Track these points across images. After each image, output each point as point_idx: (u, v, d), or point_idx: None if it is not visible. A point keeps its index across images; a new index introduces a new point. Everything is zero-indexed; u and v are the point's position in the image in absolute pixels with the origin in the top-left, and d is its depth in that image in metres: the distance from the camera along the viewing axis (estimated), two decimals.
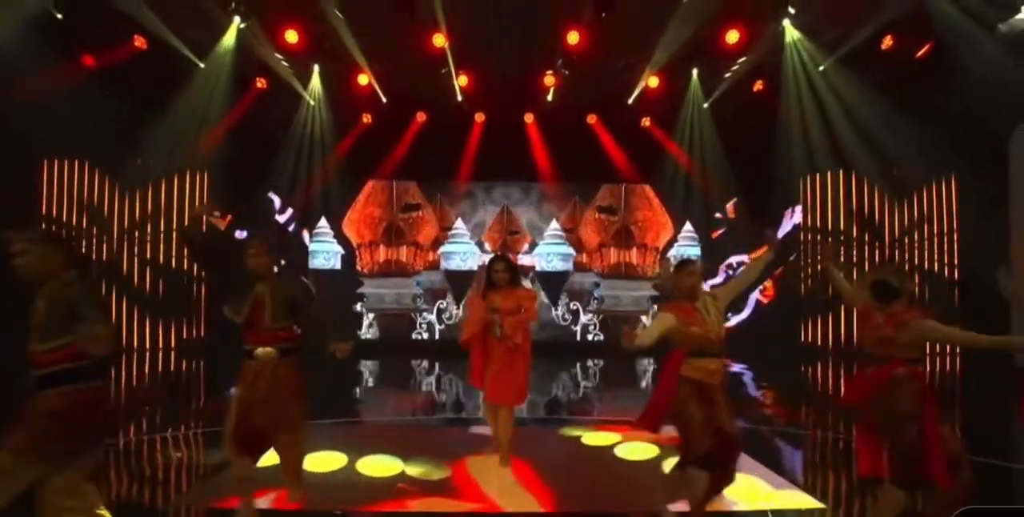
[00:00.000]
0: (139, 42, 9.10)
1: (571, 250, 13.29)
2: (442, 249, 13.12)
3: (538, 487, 4.01)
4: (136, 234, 11.72)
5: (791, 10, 8.61)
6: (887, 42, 9.04)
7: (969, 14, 7.70)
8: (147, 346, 11.57)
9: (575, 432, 5.54)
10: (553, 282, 13.19)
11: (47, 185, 11.05)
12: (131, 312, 11.54)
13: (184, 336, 11.90)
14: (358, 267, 13.08)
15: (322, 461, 4.41)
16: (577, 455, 4.92)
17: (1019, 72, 7.81)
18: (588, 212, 13.28)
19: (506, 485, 4.03)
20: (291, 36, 9.11)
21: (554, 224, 13.25)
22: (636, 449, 4.89)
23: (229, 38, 8.78)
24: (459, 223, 13.09)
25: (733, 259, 13.50)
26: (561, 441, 5.33)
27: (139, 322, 11.58)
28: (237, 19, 8.67)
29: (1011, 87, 7.87)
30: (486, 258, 11.93)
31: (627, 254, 13.39)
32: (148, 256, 11.74)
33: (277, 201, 13.30)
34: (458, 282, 13.09)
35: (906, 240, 11.81)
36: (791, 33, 8.92)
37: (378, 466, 4.40)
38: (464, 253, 13.15)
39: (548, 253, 13.23)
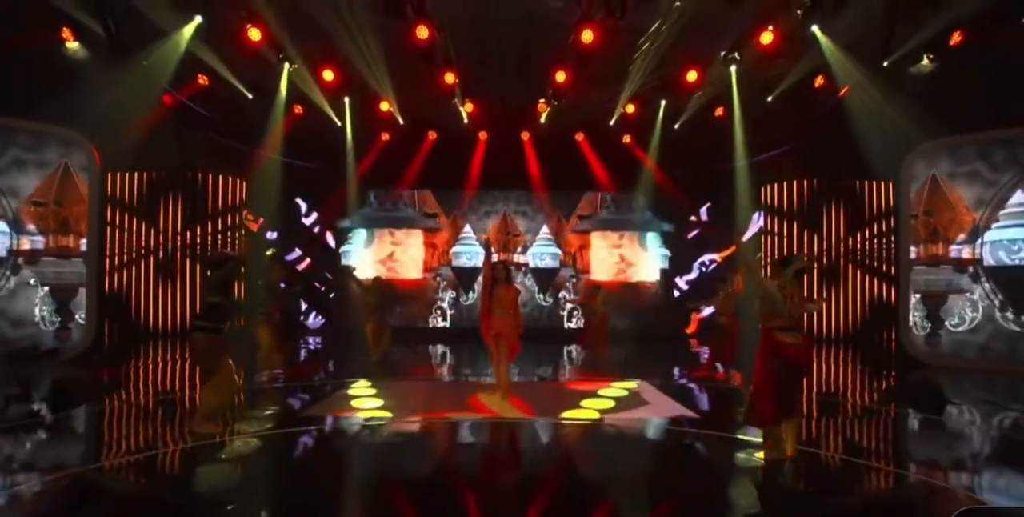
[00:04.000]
0: (203, 80, 11.66)
1: (558, 251, 16.24)
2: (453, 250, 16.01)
3: (526, 408, 6.60)
4: (187, 233, 14.21)
5: (737, 56, 11.12)
6: (819, 81, 11.57)
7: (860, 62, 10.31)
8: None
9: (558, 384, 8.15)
10: (543, 276, 16.08)
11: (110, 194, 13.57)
12: (183, 300, 14.07)
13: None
14: None
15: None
16: (557, 395, 7.52)
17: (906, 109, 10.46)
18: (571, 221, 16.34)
19: (504, 407, 6.66)
20: (328, 75, 11.66)
21: (544, 230, 16.11)
22: (609, 391, 7.54)
23: (283, 79, 11.33)
24: (467, 228, 15.90)
25: (706, 257, 16.12)
26: (547, 387, 7.94)
27: (190, 308, 14.09)
28: (287, 64, 11.20)
29: (900, 121, 10.48)
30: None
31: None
32: (198, 248, 14.23)
33: (303, 205, 15.90)
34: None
35: (850, 239, 14.38)
36: (735, 76, 11.45)
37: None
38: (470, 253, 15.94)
39: (540, 253, 16.19)
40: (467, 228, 16.16)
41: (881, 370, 10.25)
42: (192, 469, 4.65)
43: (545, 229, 16.28)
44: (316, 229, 15.91)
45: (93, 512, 3.55)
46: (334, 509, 3.95)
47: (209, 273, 5.39)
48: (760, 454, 4.80)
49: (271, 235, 15.40)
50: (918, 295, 10.58)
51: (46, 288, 9.91)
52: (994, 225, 10.11)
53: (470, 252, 16.14)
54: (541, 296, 16.14)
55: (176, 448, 5.04)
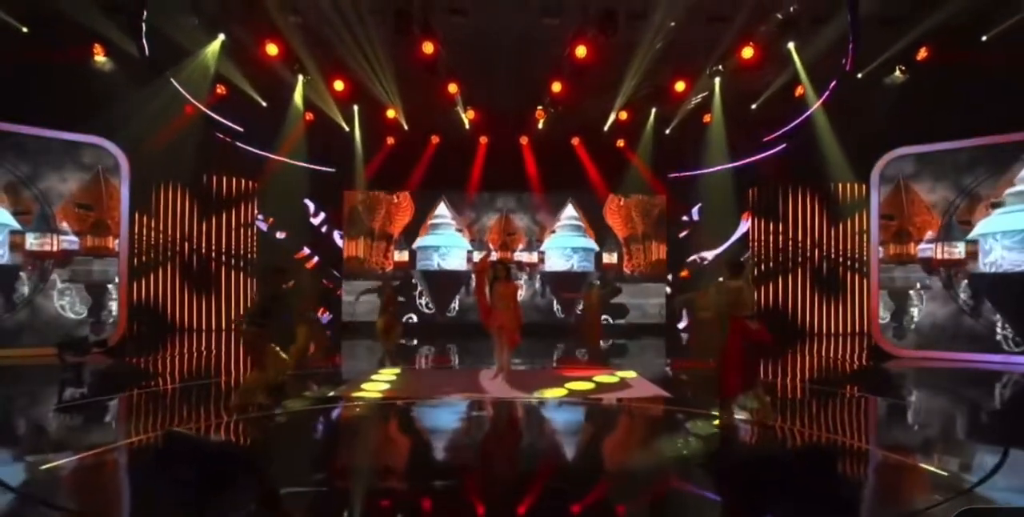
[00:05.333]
0: (220, 89, 12.63)
1: (592, 243, 16.10)
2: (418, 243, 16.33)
3: (517, 389, 7.60)
4: (203, 229, 15.19)
5: (720, 68, 12.09)
6: (799, 91, 12.53)
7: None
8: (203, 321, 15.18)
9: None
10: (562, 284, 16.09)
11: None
12: (199, 294, 15.07)
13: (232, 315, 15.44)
14: None
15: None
16: (549, 380, 8.53)
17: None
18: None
19: (502, 387, 7.69)
20: (339, 85, 12.65)
21: (569, 211, 16.19)
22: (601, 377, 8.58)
23: (298, 90, 12.33)
24: (443, 211, 16.23)
25: (695, 255, 17.08)
26: (545, 374, 8.97)
27: (205, 302, 15.10)
28: (300, 75, 12.20)
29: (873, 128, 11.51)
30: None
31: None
32: (213, 247, 15.22)
33: (312, 206, 16.86)
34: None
35: (832, 238, 15.38)
36: (720, 86, 12.44)
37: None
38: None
39: (562, 248, 16.10)
40: (442, 207, 15.78)
41: (852, 362, 11.26)
42: (237, 437, 5.66)
43: (571, 210, 15.89)
44: (323, 229, 16.88)
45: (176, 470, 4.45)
46: (348, 470, 4.96)
47: (263, 281, 6.39)
48: (715, 422, 5.80)
49: (280, 235, 16.44)
50: (887, 291, 11.56)
51: (105, 286, 10.97)
52: (996, 211, 10.80)
53: (450, 246, 15.99)
54: (558, 308, 15.76)
55: (217, 422, 6.04)
